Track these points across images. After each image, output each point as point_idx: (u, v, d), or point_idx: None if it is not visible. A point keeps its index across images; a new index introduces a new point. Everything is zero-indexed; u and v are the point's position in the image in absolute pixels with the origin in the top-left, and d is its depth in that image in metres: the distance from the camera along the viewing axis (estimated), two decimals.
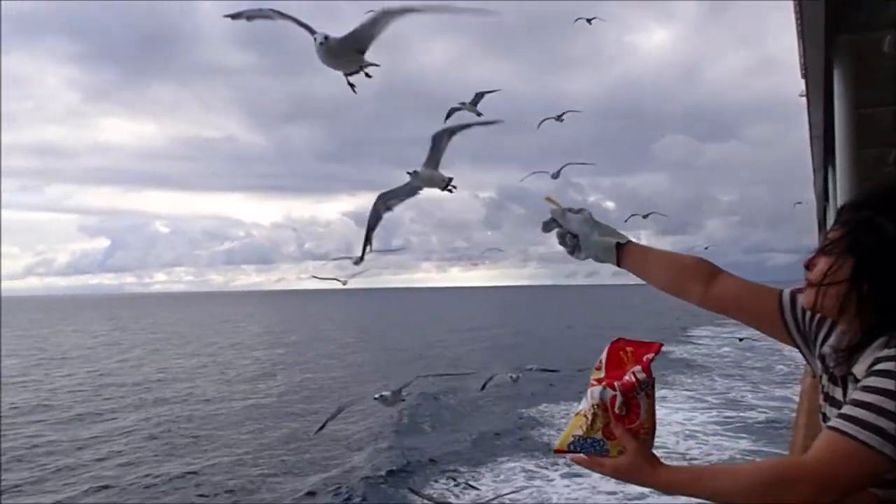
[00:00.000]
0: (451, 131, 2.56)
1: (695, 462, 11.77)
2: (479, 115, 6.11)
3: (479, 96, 5.87)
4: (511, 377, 10.68)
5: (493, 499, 9.44)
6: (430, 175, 2.55)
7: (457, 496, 10.18)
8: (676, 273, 1.32)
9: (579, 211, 1.35)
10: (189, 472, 11.61)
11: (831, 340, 1.20)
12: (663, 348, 1.17)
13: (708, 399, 17.19)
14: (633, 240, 1.36)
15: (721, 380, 20.56)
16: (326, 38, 2.21)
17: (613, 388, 1.10)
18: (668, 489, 1.07)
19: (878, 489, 1.06)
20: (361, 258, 2.79)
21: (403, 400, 7.28)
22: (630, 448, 1.08)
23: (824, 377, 1.23)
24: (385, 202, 2.60)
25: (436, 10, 2.16)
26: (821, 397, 1.24)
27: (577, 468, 1.19)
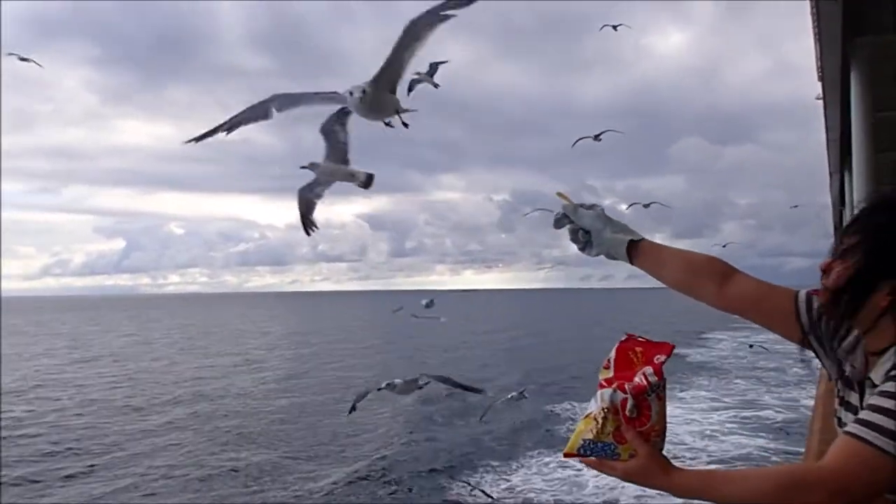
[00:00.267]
0: (341, 121, 2.37)
1: (712, 462, 11.76)
2: (436, 86, 6.32)
3: (435, 67, 5.98)
4: (514, 395, 9.77)
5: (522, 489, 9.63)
6: (332, 169, 2.41)
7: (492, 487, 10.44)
8: (690, 272, 1.29)
9: (591, 206, 1.33)
10: (234, 462, 12.10)
11: (847, 343, 1.18)
12: (678, 351, 1.16)
13: (725, 400, 17.04)
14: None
15: (737, 382, 20.40)
16: (364, 91, 1.91)
17: (624, 391, 1.07)
18: (680, 493, 1.05)
19: (894, 496, 1.04)
20: (308, 233, 2.56)
21: (421, 387, 7.10)
22: (641, 452, 1.06)
23: (840, 381, 1.21)
24: (310, 194, 2.45)
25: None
26: (836, 401, 1.22)
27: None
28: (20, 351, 34.78)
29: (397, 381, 6.73)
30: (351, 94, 1.88)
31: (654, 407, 1.08)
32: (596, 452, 1.09)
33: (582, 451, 1.10)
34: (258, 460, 12.24)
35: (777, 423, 14.49)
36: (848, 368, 1.17)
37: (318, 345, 36.68)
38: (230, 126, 2.19)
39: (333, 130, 2.39)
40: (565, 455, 1.12)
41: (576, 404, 16.30)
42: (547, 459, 11.84)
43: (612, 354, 1.14)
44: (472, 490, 10.09)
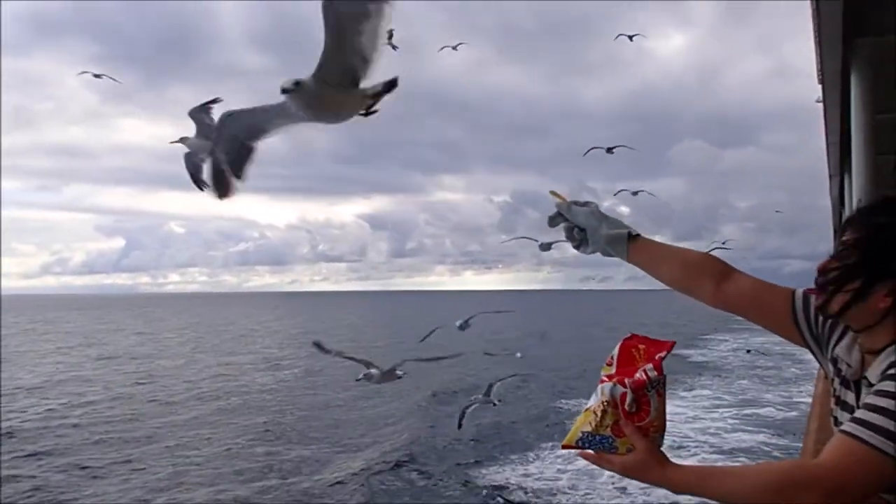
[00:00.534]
0: (205, 110, 2.31)
1: (714, 454, 12.23)
2: (394, 48, 6.53)
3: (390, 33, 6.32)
4: (494, 403, 9.37)
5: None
6: (198, 144, 2.30)
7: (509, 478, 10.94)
8: (688, 269, 1.27)
9: (585, 204, 1.31)
10: (265, 456, 12.63)
11: (844, 343, 1.18)
12: (680, 351, 1.15)
13: (725, 398, 17.35)
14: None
15: (737, 381, 20.69)
16: (298, 83, 1.51)
17: (624, 385, 1.08)
18: (677, 489, 1.05)
19: (890, 495, 1.03)
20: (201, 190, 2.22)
21: (400, 377, 7.10)
22: (639, 446, 1.06)
23: (836, 380, 1.21)
24: (194, 159, 2.31)
25: None
26: (832, 401, 1.21)
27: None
28: (33, 348, 35.34)
29: (374, 371, 6.69)
30: (283, 89, 1.51)
31: (653, 403, 1.08)
32: (594, 445, 1.09)
33: (580, 444, 1.10)
34: (291, 455, 12.82)
35: (777, 420, 14.84)
36: (844, 368, 1.16)
37: (329, 344, 37.19)
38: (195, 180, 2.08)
39: (199, 117, 2.33)
40: (563, 447, 1.13)
41: (570, 401, 16.79)
42: (546, 454, 12.20)
43: (616, 351, 1.15)
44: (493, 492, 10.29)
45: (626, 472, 1.08)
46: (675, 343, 1.13)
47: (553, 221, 1.33)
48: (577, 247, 1.33)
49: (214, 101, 2.36)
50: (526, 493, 10.29)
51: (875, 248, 1.07)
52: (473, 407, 8.43)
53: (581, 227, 1.30)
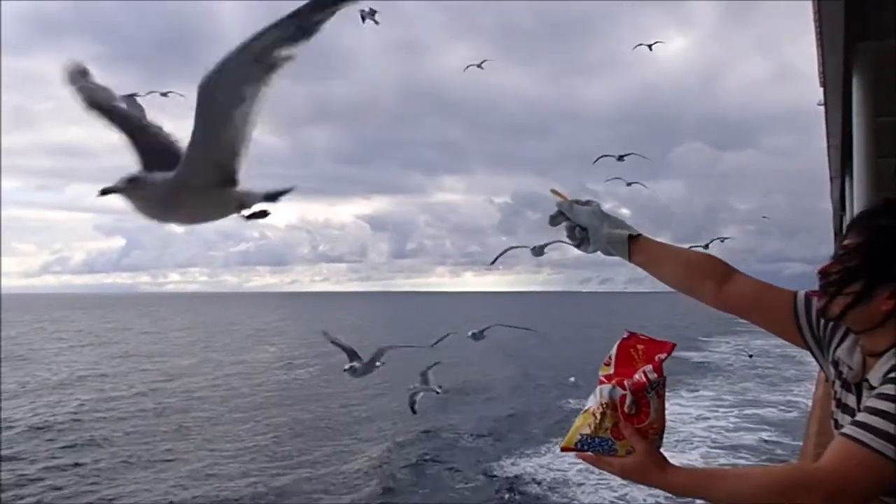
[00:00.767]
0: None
1: (715, 448, 12.63)
2: (376, 22, 6.52)
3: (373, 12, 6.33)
4: (437, 390, 9.26)
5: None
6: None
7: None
8: (689, 270, 1.27)
9: (587, 202, 1.29)
10: (296, 450, 13.10)
11: (846, 345, 1.17)
12: (682, 354, 1.14)
13: (727, 398, 17.54)
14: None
15: (739, 382, 20.88)
16: (134, 178, 1.26)
17: (623, 388, 1.07)
18: (676, 491, 1.04)
19: (891, 498, 1.03)
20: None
21: (377, 367, 7.21)
22: (639, 449, 1.05)
23: (837, 383, 1.20)
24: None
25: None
26: (833, 403, 1.20)
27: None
28: (46, 346, 35.74)
29: (357, 364, 6.79)
30: (104, 190, 1.24)
31: (652, 404, 1.07)
32: (593, 448, 1.08)
33: (579, 446, 1.09)
34: (314, 447, 13.38)
35: (777, 420, 15.13)
36: (845, 370, 1.15)
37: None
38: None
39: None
40: (562, 449, 1.12)
41: (573, 401, 16.97)
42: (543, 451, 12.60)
43: (614, 351, 1.13)
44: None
45: (626, 474, 1.07)
46: (675, 345, 1.11)
47: (554, 220, 1.31)
48: (578, 245, 1.31)
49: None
50: (540, 485, 10.67)
51: (877, 250, 1.06)
52: (420, 394, 8.44)
53: (583, 226, 1.29)
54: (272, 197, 1.41)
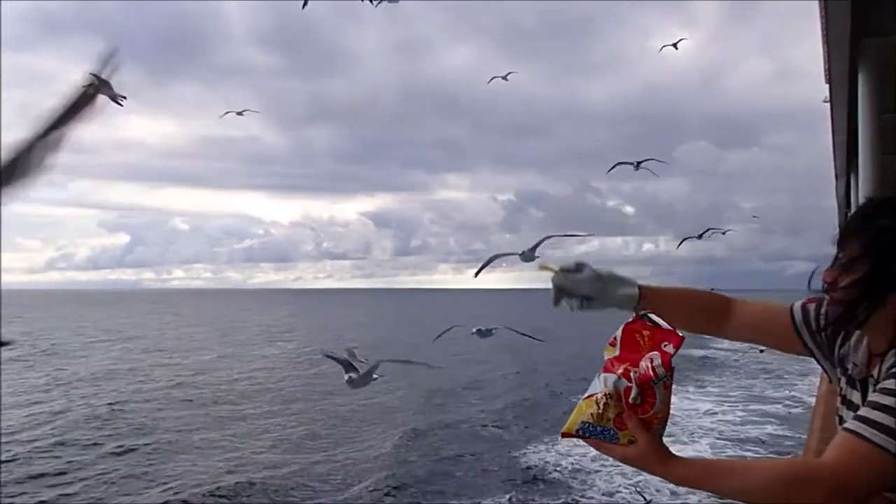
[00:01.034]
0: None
1: (721, 440, 12.91)
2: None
3: None
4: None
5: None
6: None
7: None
8: (694, 316, 1.29)
9: (578, 267, 1.22)
10: (337, 442, 13.55)
11: (850, 342, 1.17)
12: (687, 351, 1.13)
13: (733, 394, 17.76)
14: (644, 282, 1.27)
15: (745, 378, 21.05)
16: None
17: (629, 380, 1.05)
18: (678, 482, 1.04)
19: (893, 493, 1.03)
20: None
21: (375, 379, 7.28)
22: (642, 440, 1.05)
23: (842, 380, 1.20)
24: None
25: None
26: (838, 400, 1.21)
27: None
28: (68, 340, 36.25)
29: (354, 375, 6.82)
30: None
31: (658, 395, 1.05)
32: (595, 435, 1.07)
33: (580, 433, 1.08)
34: (349, 436, 14.04)
35: (782, 414, 15.41)
36: (850, 367, 1.16)
37: (356, 340, 38.50)
38: None
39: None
40: (563, 435, 1.11)
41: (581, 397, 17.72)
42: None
43: (619, 333, 1.11)
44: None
45: (627, 461, 1.07)
46: (683, 338, 1.09)
47: (558, 301, 1.24)
48: (579, 308, 1.26)
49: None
50: (562, 473, 11.01)
51: (883, 256, 1.05)
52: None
53: (587, 296, 1.23)
54: None
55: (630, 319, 1.13)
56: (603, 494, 10.04)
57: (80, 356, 28.62)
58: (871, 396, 1.00)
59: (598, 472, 10.69)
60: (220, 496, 10.05)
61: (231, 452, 12.58)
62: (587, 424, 1.07)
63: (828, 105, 4.37)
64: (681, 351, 1.10)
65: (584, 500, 9.99)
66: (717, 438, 13.14)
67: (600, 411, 1.06)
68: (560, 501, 10.00)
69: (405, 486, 10.62)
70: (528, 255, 5.90)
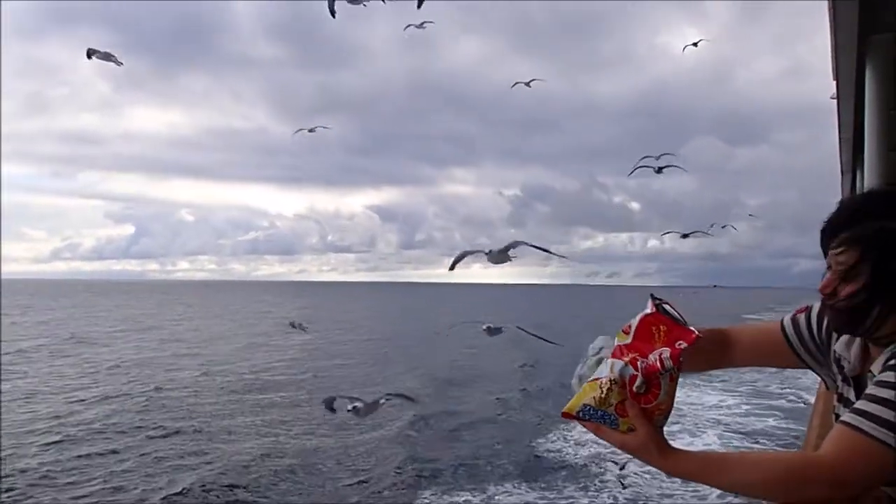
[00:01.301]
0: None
1: (727, 433, 13.15)
2: (364, 3, 6.25)
3: None
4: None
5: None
6: None
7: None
8: (695, 355, 1.24)
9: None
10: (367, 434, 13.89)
11: (843, 339, 1.16)
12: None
13: (738, 389, 17.99)
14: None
15: (749, 373, 21.33)
16: None
17: (636, 369, 1.04)
18: (675, 475, 1.04)
19: (890, 487, 1.03)
20: None
21: (379, 406, 7.54)
22: (641, 430, 1.04)
23: (838, 377, 1.20)
24: None
25: None
26: (835, 398, 1.21)
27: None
28: (89, 329, 36.87)
29: (359, 404, 7.05)
30: None
31: (663, 386, 1.04)
32: (595, 419, 1.06)
33: (581, 415, 1.07)
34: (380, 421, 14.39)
35: (784, 408, 15.85)
36: (845, 364, 1.15)
37: (368, 332, 38.90)
38: None
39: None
40: (563, 415, 1.10)
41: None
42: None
43: (635, 322, 1.10)
44: None
45: (625, 449, 1.06)
46: (699, 336, 1.08)
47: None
48: None
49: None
50: (578, 458, 11.38)
51: (883, 261, 1.03)
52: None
53: None
54: None
55: (649, 311, 1.11)
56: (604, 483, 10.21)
57: (104, 345, 29.22)
58: (869, 389, 0.99)
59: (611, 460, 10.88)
60: (259, 476, 10.71)
61: (264, 437, 13.26)
62: (588, 407, 1.07)
63: (834, 101, 4.34)
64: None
65: (577, 488, 10.20)
66: (725, 431, 13.39)
67: (603, 395, 1.05)
68: (559, 488, 10.20)
69: (418, 469, 11.08)
70: (495, 256, 5.71)
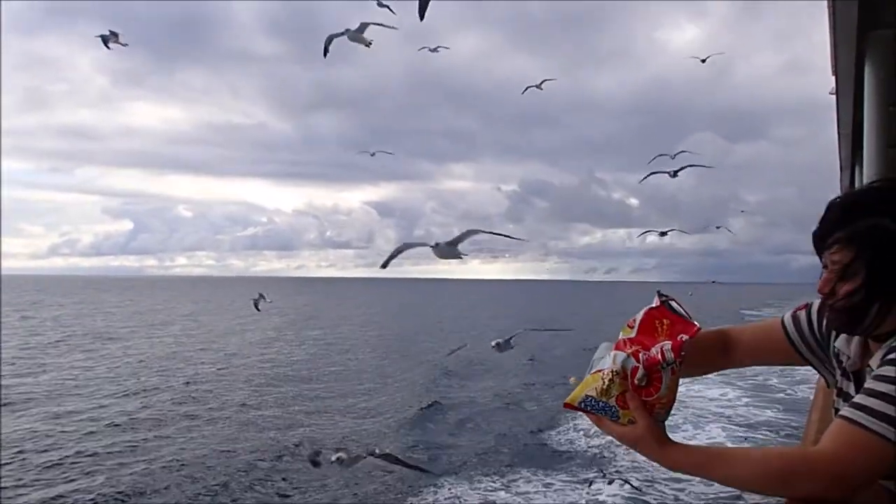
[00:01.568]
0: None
1: (731, 427, 13.32)
2: (367, 44, 6.13)
3: (364, 26, 5.94)
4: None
5: None
6: None
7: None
8: (700, 361, 1.29)
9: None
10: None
11: (843, 335, 1.16)
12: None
13: (738, 383, 18.16)
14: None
15: (749, 367, 21.82)
16: None
17: (638, 360, 1.05)
18: (674, 468, 1.03)
19: (889, 481, 1.02)
20: None
21: (361, 460, 7.76)
22: (640, 423, 1.04)
23: (838, 372, 1.19)
24: None
25: None
26: (834, 392, 1.21)
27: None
28: (100, 325, 37.63)
29: (343, 455, 7.17)
30: None
31: (665, 380, 1.05)
32: (596, 410, 1.07)
33: (582, 406, 1.08)
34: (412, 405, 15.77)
35: (785, 399, 16.24)
36: (844, 359, 1.15)
37: (376, 328, 39.83)
38: None
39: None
40: (565, 405, 1.11)
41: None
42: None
43: (640, 316, 1.11)
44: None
45: (625, 442, 1.07)
46: (700, 329, 1.09)
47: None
48: None
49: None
50: (591, 447, 11.64)
51: (878, 258, 1.03)
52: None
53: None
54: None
55: (654, 304, 1.12)
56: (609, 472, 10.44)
57: (124, 341, 29.87)
58: (868, 384, 0.98)
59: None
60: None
61: (289, 428, 14.18)
62: (590, 398, 1.07)
63: (834, 97, 4.32)
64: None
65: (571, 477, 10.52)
66: (728, 424, 13.56)
67: (604, 387, 1.06)
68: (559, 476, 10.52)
69: (435, 455, 11.77)
70: (444, 250, 5.12)
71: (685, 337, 1.07)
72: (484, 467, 11.14)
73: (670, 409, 1.08)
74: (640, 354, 1.06)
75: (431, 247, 5.22)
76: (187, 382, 19.07)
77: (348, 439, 12.94)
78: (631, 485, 9.71)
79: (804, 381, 17.62)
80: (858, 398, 0.98)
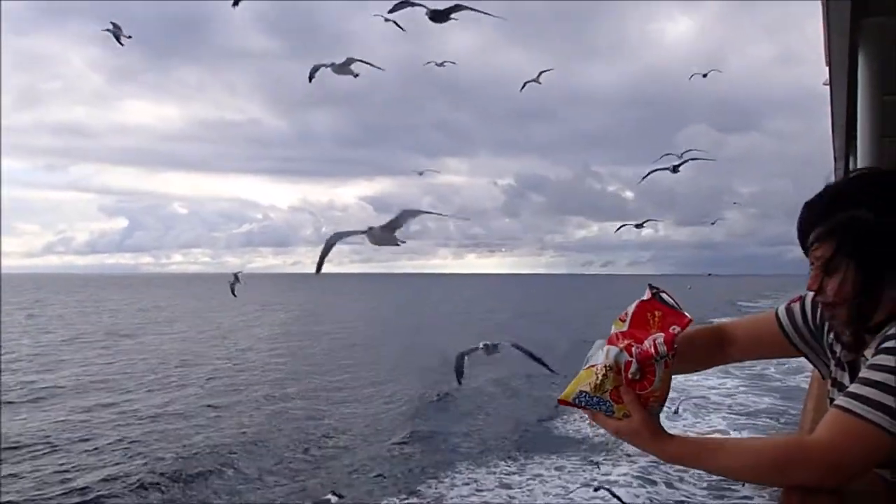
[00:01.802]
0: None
1: (730, 416, 13.54)
2: (355, 75, 6.09)
3: (350, 60, 5.92)
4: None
5: None
6: None
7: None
8: (696, 357, 1.30)
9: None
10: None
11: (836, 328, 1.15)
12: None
13: (735, 372, 18.37)
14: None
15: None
16: None
17: (630, 355, 1.04)
18: (669, 460, 1.03)
19: (885, 470, 1.01)
20: None
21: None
22: (635, 416, 1.03)
23: (832, 362, 1.19)
24: None
25: None
26: (829, 383, 1.20)
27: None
28: (111, 322, 37.79)
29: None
30: None
31: (658, 373, 1.04)
32: (591, 405, 1.06)
33: (576, 401, 1.07)
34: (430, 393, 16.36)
35: (781, 387, 16.57)
36: (839, 349, 1.14)
37: (381, 325, 39.59)
38: None
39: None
40: (560, 401, 1.10)
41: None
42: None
43: (631, 309, 1.10)
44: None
45: (620, 435, 1.06)
46: (691, 320, 1.09)
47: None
48: None
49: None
50: (598, 434, 11.75)
51: (862, 250, 1.02)
52: None
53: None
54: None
55: (645, 297, 1.11)
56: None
57: (137, 338, 30.21)
58: (863, 372, 0.97)
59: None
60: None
61: (310, 419, 14.57)
62: (584, 394, 1.07)
63: (827, 88, 4.31)
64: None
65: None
66: (728, 413, 13.75)
67: (598, 382, 1.05)
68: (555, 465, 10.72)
69: (451, 444, 12.08)
70: (378, 236, 4.63)
71: (677, 329, 1.07)
72: (498, 452, 11.46)
73: (664, 401, 1.08)
74: (633, 348, 1.05)
75: (364, 232, 4.70)
76: (209, 378, 19.53)
77: (371, 427, 13.45)
78: (638, 465, 9.94)
79: (800, 370, 17.88)
80: (853, 387, 0.97)
